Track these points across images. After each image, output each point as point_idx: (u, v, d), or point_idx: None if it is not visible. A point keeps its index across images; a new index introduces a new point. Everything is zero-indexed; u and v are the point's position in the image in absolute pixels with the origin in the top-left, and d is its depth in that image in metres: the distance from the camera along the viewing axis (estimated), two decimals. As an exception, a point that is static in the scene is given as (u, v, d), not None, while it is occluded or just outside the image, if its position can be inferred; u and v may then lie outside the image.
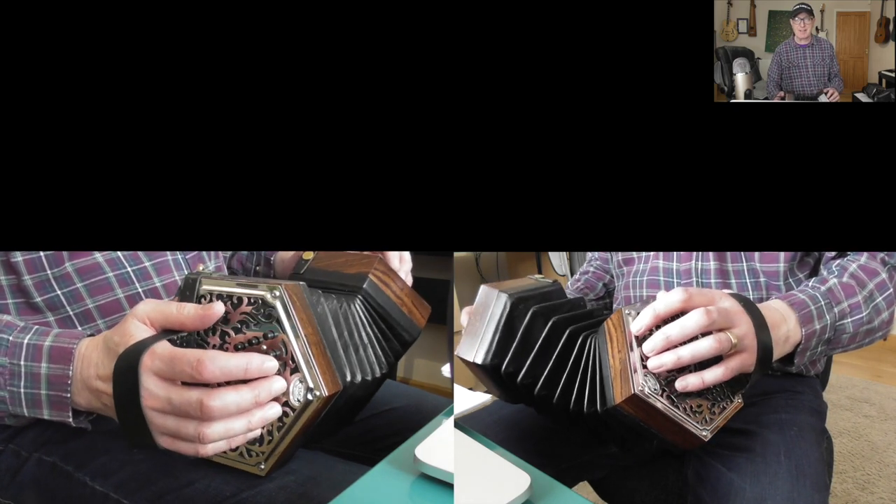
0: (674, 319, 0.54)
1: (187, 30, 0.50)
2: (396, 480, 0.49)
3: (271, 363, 0.44)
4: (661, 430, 0.54)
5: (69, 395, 0.47)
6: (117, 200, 0.51)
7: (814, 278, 0.69)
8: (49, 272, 0.56)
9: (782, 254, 0.74)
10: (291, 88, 0.51)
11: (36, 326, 0.50)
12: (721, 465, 0.63)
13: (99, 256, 0.59)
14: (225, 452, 0.48)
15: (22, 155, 0.50)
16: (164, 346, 0.43)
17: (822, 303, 0.62)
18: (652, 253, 0.82)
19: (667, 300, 0.54)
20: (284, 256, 0.77)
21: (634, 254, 0.85)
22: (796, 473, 0.60)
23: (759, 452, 0.63)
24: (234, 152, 0.51)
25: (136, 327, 0.45)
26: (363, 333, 0.57)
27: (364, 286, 0.60)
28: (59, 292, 0.57)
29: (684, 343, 0.53)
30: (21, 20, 0.49)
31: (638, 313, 0.56)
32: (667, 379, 0.53)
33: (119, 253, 0.60)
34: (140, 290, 0.61)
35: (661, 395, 0.52)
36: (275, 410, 0.45)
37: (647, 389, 0.52)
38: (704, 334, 0.53)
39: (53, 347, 0.48)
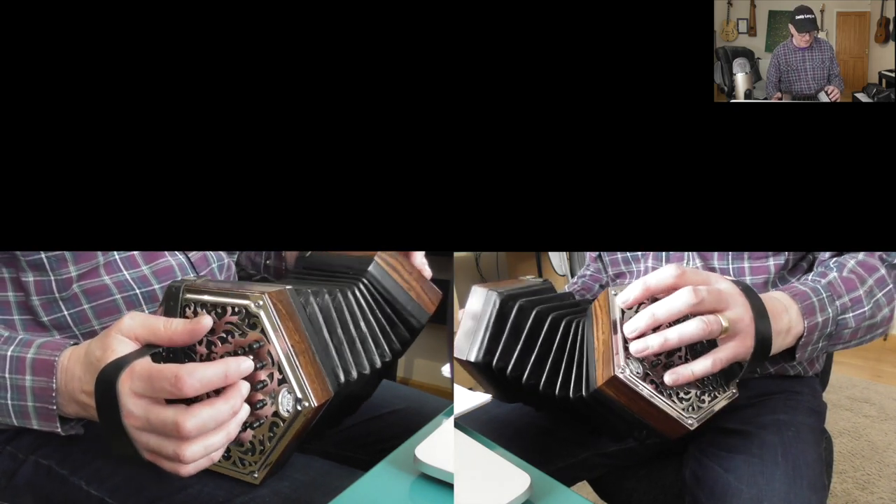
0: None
1: (190, 30, 0.50)
2: (396, 480, 0.49)
3: (247, 364, 0.44)
4: (646, 417, 0.52)
5: (55, 406, 0.47)
6: (118, 200, 0.51)
7: (813, 272, 0.68)
8: (57, 295, 0.56)
9: (772, 264, 0.73)
10: (292, 89, 0.51)
11: (20, 336, 0.49)
12: (718, 465, 0.63)
13: (107, 279, 0.58)
14: (218, 461, 0.47)
15: (25, 155, 0.50)
16: (142, 365, 0.42)
17: (824, 295, 0.61)
18: (642, 268, 0.82)
19: (659, 275, 0.52)
20: None
21: (625, 269, 0.85)
22: (793, 474, 0.60)
23: (756, 453, 0.63)
24: (235, 153, 0.51)
25: (118, 342, 0.44)
26: (362, 324, 0.56)
27: (369, 269, 0.60)
28: (65, 313, 0.57)
29: (671, 324, 0.51)
30: (22, 20, 0.49)
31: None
32: (652, 362, 0.51)
33: (127, 276, 0.60)
34: (148, 313, 0.60)
35: (645, 379, 0.50)
36: (245, 412, 0.44)
37: (628, 372, 0.50)
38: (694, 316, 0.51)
39: (36, 360, 0.47)
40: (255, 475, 0.47)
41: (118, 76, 0.50)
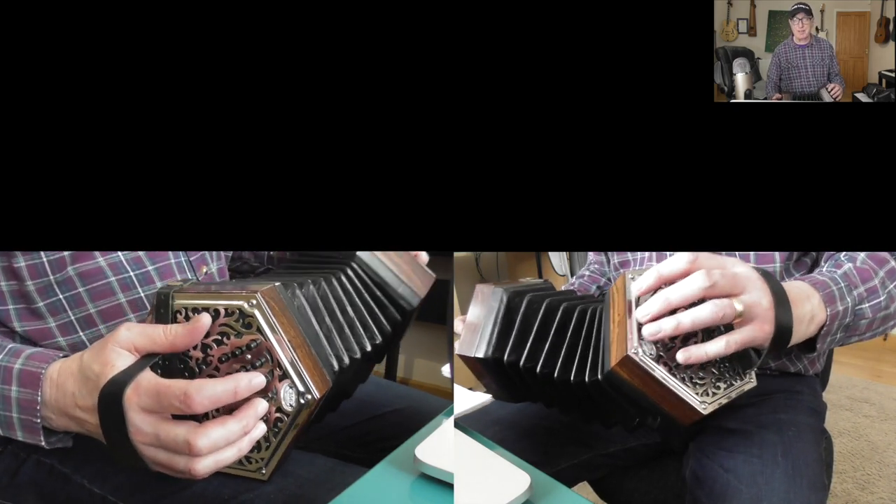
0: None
1: (189, 30, 0.50)
2: (396, 480, 0.49)
3: (259, 379, 0.43)
4: (658, 400, 0.51)
5: (39, 420, 0.46)
6: (118, 200, 0.51)
7: (826, 264, 0.67)
8: (51, 277, 0.55)
9: (777, 255, 0.73)
10: (292, 89, 0.51)
11: (10, 346, 0.49)
12: (718, 465, 0.63)
13: (101, 261, 0.58)
14: None
15: (26, 155, 0.50)
16: (148, 379, 0.42)
17: (842, 285, 0.60)
18: (646, 256, 0.82)
19: (673, 262, 0.51)
20: None
21: (630, 256, 0.85)
22: (793, 473, 0.60)
23: (756, 453, 0.63)
24: (235, 152, 0.51)
25: (116, 355, 0.43)
26: (349, 309, 0.57)
27: (357, 253, 0.60)
28: (60, 296, 0.56)
29: (685, 308, 0.50)
30: (22, 20, 0.49)
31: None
32: (667, 346, 0.51)
33: (122, 257, 0.59)
34: (142, 294, 0.60)
35: (658, 361, 0.50)
36: (260, 430, 0.44)
37: (641, 353, 0.49)
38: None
39: (23, 371, 0.46)
40: (263, 471, 0.47)
41: (116, 74, 0.50)
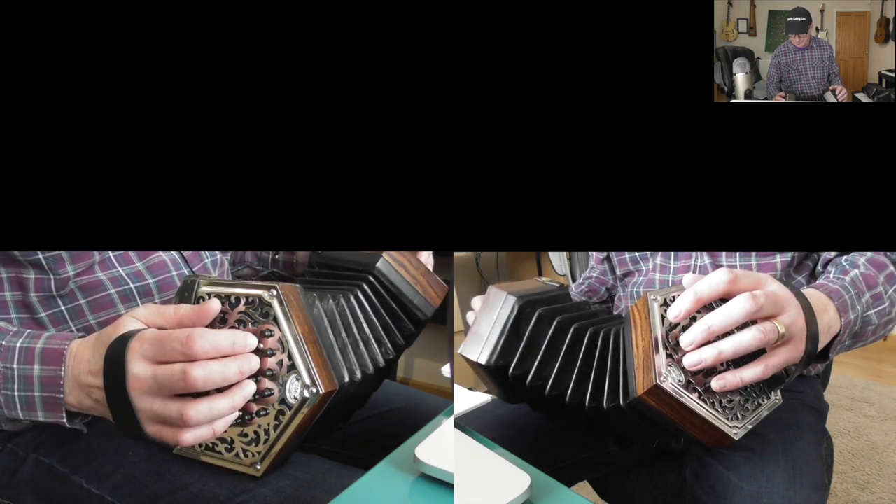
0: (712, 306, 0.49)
1: (190, 29, 0.50)
2: (396, 480, 0.49)
3: (252, 339, 0.45)
4: (687, 427, 0.50)
5: (62, 395, 0.47)
6: (116, 200, 0.51)
7: (834, 270, 0.67)
8: (55, 292, 0.56)
9: (779, 261, 0.73)
10: (292, 88, 0.51)
11: (28, 330, 0.50)
12: (719, 464, 0.63)
13: (101, 275, 0.59)
14: (220, 452, 0.48)
15: (25, 155, 0.50)
16: (152, 331, 0.44)
17: (853, 293, 0.59)
18: (650, 266, 0.82)
19: (710, 282, 0.49)
20: None
21: (633, 268, 0.85)
22: (793, 472, 0.60)
23: (757, 451, 0.63)
24: (235, 152, 0.51)
25: (130, 321, 0.45)
26: (365, 326, 0.58)
27: (377, 265, 0.61)
28: (62, 308, 0.57)
29: (727, 334, 0.48)
30: (21, 20, 0.49)
31: (665, 298, 0.51)
32: (694, 371, 0.49)
33: (122, 271, 0.60)
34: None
35: (687, 388, 0.48)
36: (251, 387, 0.45)
37: (670, 381, 0.47)
38: (748, 323, 0.48)
39: (45, 349, 0.48)
40: (258, 467, 0.47)
41: (116, 75, 0.50)
